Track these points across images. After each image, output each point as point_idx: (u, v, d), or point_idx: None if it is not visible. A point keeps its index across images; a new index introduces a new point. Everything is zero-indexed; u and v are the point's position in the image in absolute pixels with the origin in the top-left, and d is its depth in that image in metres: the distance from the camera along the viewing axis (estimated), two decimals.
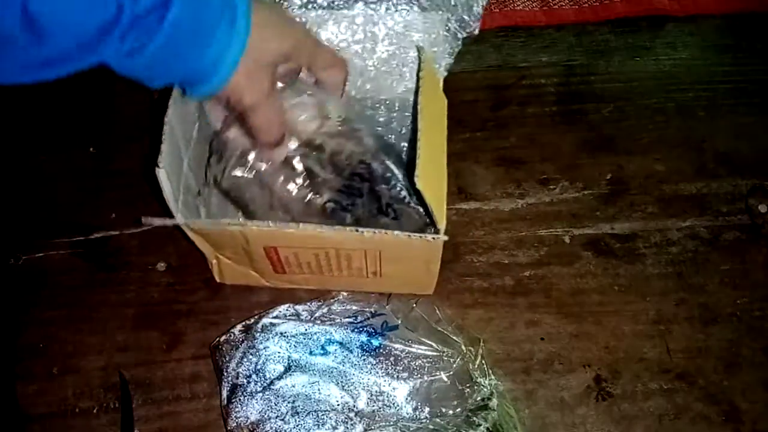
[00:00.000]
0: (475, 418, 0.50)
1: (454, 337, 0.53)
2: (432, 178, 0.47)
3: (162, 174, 0.47)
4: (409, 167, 0.48)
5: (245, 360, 0.52)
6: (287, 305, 0.56)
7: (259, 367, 0.51)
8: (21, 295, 0.60)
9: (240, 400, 0.51)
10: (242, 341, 0.53)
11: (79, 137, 0.69)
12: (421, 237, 0.47)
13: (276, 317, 0.54)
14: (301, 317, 0.55)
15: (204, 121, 0.55)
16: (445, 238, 0.47)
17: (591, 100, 0.71)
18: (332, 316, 0.55)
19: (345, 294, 0.56)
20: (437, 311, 0.56)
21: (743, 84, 0.72)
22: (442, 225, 0.47)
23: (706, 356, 0.57)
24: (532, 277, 0.61)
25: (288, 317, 0.55)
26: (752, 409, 0.54)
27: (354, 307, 0.55)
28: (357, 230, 0.47)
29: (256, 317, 0.55)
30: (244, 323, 0.55)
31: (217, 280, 0.59)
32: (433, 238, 0.47)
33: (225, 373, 0.52)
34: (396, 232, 0.47)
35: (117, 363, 0.57)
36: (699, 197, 0.65)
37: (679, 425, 0.54)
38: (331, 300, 0.56)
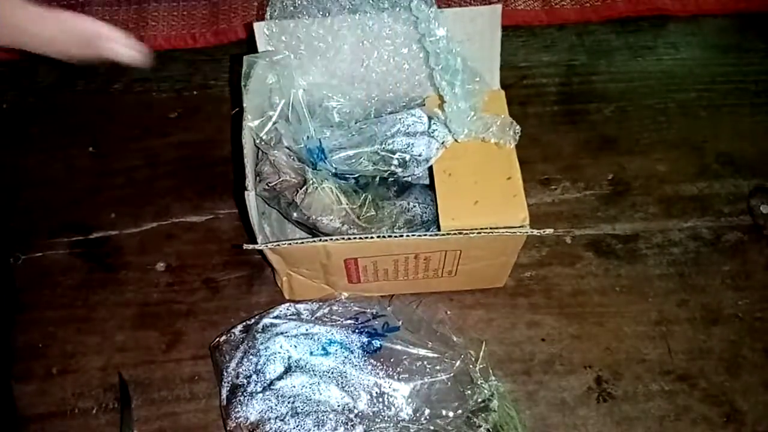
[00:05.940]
0: (475, 420, 0.49)
1: (455, 339, 0.53)
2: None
3: (251, 197, 0.46)
4: None
5: (245, 360, 0.52)
6: (287, 305, 0.55)
7: (259, 367, 0.51)
8: (21, 295, 0.60)
9: (240, 400, 0.50)
10: (242, 341, 0.53)
11: (79, 137, 0.69)
12: (504, 232, 0.48)
13: (276, 317, 0.54)
14: (302, 317, 0.55)
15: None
16: (528, 230, 0.48)
17: (592, 100, 0.71)
18: (333, 317, 0.55)
19: (346, 295, 0.56)
20: (438, 313, 0.55)
21: (745, 84, 0.72)
22: (525, 214, 0.48)
23: (708, 357, 0.57)
24: (533, 278, 0.60)
25: (288, 317, 0.54)
26: (753, 411, 0.54)
27: (355, 308, 0.55)
28: (442, 234, 0.47)
29: (256, 317, 0.55)
30: (244, 323, 0.55)
31: (286, 297, 0.58)
32: (510, 232, 0.48)
33: (225, 374, 0.52)
34: (480, 229, 0.47)
35: (116, 363, 0.57)
36: (701, 198, 0.65)
37: (680, 427, 0.54)
38: (333, 300, 0.56)
